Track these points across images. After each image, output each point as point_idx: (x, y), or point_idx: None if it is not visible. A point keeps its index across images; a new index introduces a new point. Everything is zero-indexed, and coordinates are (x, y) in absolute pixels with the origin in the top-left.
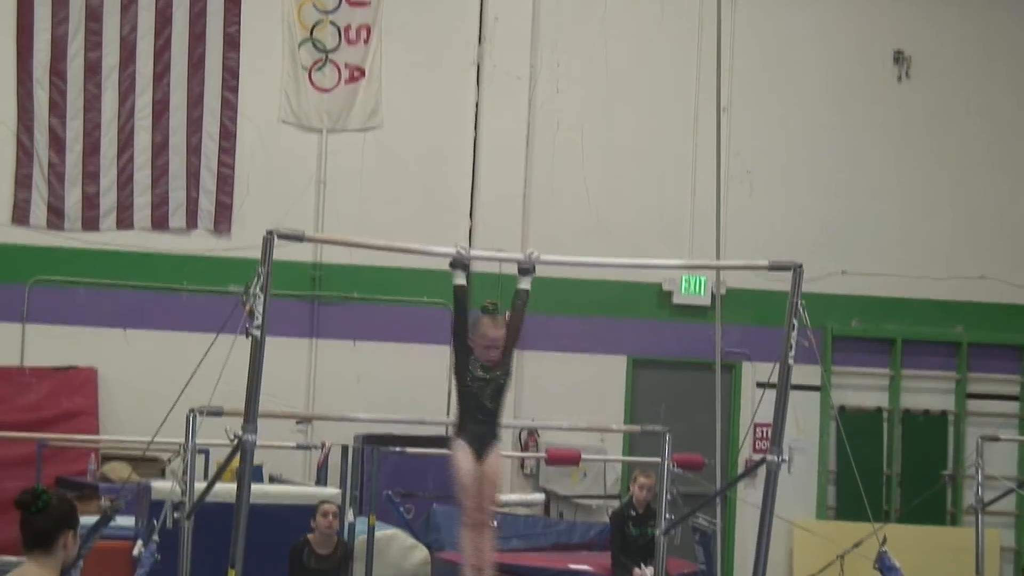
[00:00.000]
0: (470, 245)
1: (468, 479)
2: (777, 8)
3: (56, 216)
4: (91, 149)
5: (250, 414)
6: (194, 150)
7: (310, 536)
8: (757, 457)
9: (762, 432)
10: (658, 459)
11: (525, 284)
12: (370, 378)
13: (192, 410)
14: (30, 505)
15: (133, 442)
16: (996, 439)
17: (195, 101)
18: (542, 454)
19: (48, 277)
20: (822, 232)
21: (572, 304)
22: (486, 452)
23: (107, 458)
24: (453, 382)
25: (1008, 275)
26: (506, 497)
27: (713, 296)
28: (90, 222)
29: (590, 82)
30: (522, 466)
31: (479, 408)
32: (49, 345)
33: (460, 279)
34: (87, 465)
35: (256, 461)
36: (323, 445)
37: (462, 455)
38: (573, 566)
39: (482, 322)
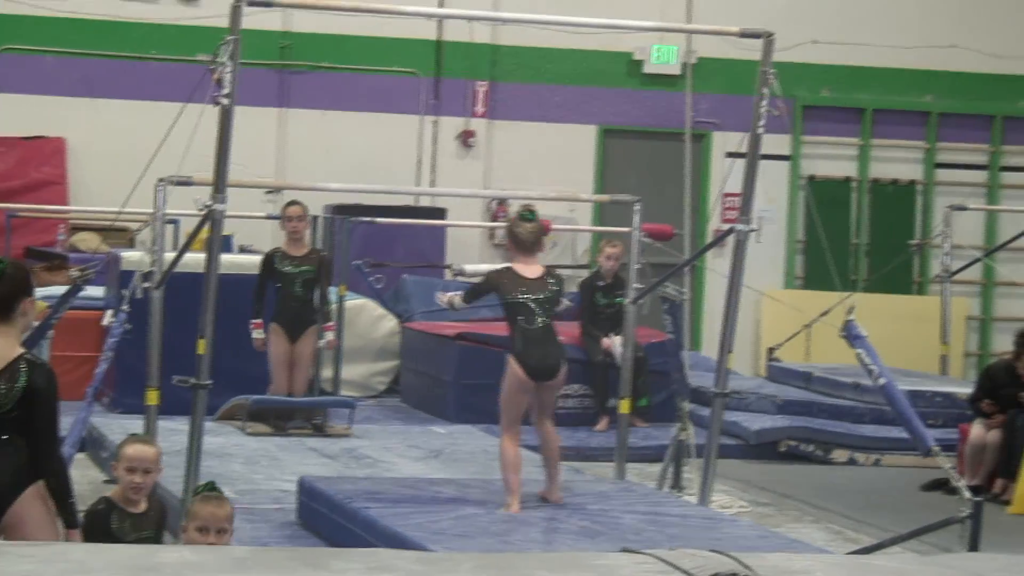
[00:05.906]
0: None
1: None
2: None
3: None
4: None
5: (219, 183)
6: None
7: (283, 246)
8: (726, 227)
9: (731, 202)
10: (628, 229)
11: None
12: (339, 148)
13: (161, 179)
14: None
15: (102, 212)
16: (964, 208)
17: None
18: None
19: (14, 45)
20: (793, 1)
21: (542, 72)
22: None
23: (76, 228)
24: None
25: (979, 44)
26: (475, 267)
27: (684, 65)
28: None
29: None
30: (491, 236)
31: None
32: (16, 114)
33: None
34: (56, 235)
35: (226, 231)
36: None
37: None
38: None
39: None
